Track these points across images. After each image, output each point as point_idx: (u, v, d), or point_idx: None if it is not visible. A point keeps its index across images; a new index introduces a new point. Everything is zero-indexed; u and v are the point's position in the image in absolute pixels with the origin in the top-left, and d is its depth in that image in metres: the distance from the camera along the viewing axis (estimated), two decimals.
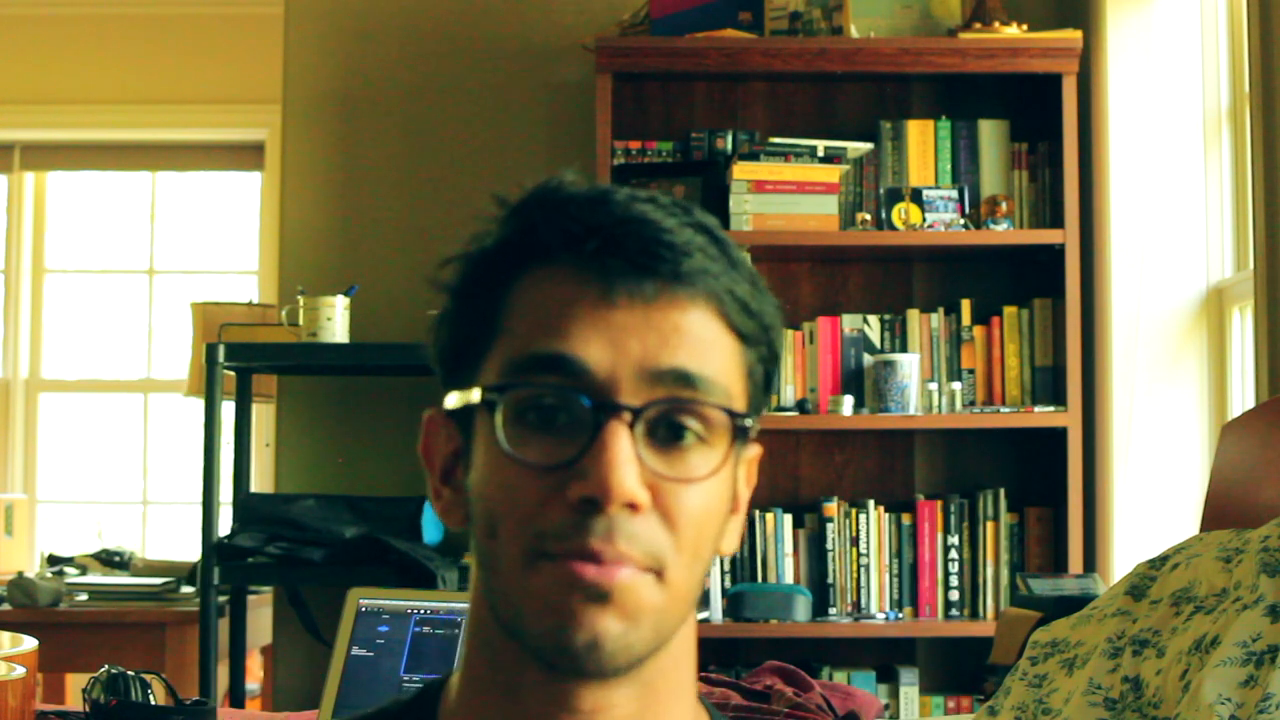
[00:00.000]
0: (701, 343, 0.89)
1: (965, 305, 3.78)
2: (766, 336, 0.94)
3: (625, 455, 0.86)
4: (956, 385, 3.71)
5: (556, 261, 0.90)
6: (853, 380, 3.75)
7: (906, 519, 3.75)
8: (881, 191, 3.76)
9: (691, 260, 0.89)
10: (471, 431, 0.92)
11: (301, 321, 3.58)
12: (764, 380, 0.94)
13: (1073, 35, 3.66)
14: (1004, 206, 3.72)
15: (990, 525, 3.72)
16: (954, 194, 3.71)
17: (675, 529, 0.88)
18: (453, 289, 0.94)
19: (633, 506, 0.87)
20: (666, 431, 0.89)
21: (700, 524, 0.89)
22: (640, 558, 0.87)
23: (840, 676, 3.65)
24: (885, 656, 3.79)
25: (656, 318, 0.89)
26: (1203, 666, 1.52)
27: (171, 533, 6.24)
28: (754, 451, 0.97)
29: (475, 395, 0.91)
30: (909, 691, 3.68)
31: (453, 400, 0.93)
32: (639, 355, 0.88)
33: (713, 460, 0.90)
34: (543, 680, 0.90)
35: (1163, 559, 1.79)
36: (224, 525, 3.58)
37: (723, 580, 3.72)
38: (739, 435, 0.91)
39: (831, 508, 3.74)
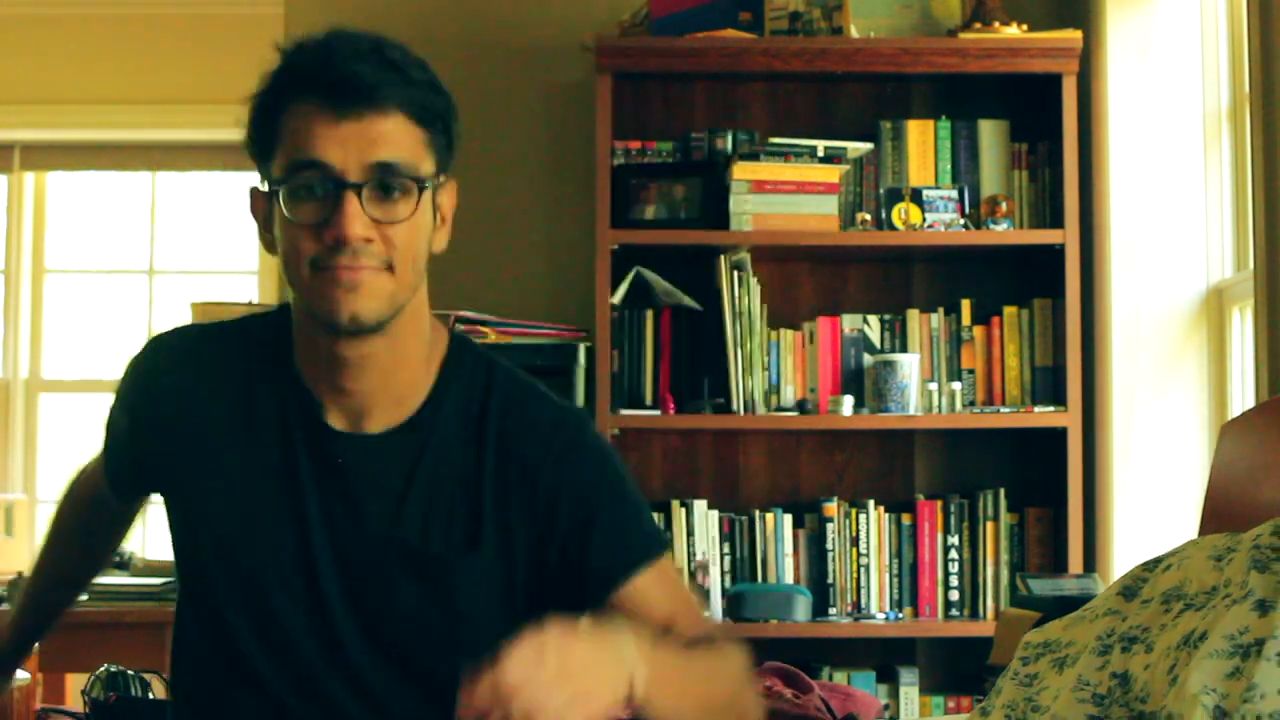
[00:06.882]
0: (395, 139, 1.56)
1: (965, 305, 3.78)
2: (442, 121, 1.60)
3: (354, 211, 1.54)
4: (956, 385, 3.71)
5: (307, 96, 1.55)
6: (853, 380, 3.75)
7: (906, 519, 3.75)
8: (881, 191, 3.76)
9: (390, 89, 1.55)
10: (273, 201, 1.58)
11: None
12: (447, 144, 1.61)
13: (1073, 35, 3.66)
14: (1004, 206, 3.72)
15: (990, 525, 3.72)
16: (954, 194, 3.71)
17: (395, 249, 1.56)
18: (251, 116, 1.60)
19: (367, 240, 1.55)
20: (383, 194, 1.56)
21: (410, 242, 1.58)
22: (377, 264, 1.56)
23: (840, 677, 3.65)
24: (885, 656, 3.79)
25: (367, 128, 1.54)
26: (1190, 660, 1.53)
27: None
28: (449, 183, 1.64)
29: (267, 185, 1.60)
30: (909, 691, 3.68)
31: (262, 184, 1.61)
32: (358, 152, 1.54)
33: (410, 206, 1.57)
34: (331, 338, 1.61)
35: (1156, 561, 1.79)
36: None
37: (723, 580, 3.72)
38: (424, 187, 1.58)
39: (831, 508, 3.74)
